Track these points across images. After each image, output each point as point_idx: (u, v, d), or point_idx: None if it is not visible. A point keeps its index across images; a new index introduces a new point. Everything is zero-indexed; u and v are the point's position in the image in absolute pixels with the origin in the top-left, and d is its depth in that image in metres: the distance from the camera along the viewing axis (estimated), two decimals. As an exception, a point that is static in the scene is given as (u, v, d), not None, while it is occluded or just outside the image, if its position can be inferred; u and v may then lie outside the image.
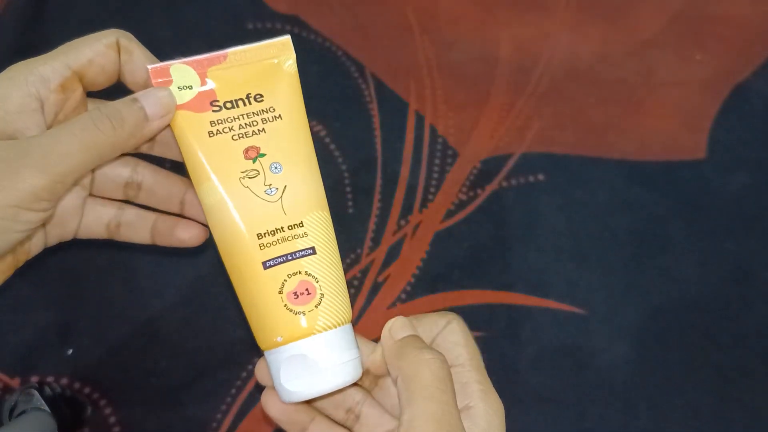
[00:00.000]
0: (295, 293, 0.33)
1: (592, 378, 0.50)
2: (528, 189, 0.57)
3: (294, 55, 0.35)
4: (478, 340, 0.51)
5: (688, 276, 0.54)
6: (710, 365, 0.51)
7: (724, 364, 0.51)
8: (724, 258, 0.55)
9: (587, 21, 0.65)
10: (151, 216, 0.38)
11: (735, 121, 0.61)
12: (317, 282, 0.33)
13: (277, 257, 0.33)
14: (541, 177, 0.58)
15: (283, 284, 0.33)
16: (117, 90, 0.35)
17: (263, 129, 0.34)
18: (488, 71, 0.62)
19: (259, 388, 0.49)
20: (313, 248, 0.34)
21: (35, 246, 0.36)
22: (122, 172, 0.37)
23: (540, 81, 0.62)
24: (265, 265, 0.33)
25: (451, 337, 0.34)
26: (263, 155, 0.34)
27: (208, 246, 0.55)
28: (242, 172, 0.33)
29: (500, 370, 0.50)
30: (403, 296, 0.52)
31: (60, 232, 0.37)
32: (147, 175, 0.38)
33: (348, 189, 0.56)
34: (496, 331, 0.52)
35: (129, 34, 0.34)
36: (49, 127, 0.33)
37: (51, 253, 0.53)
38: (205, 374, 0.49)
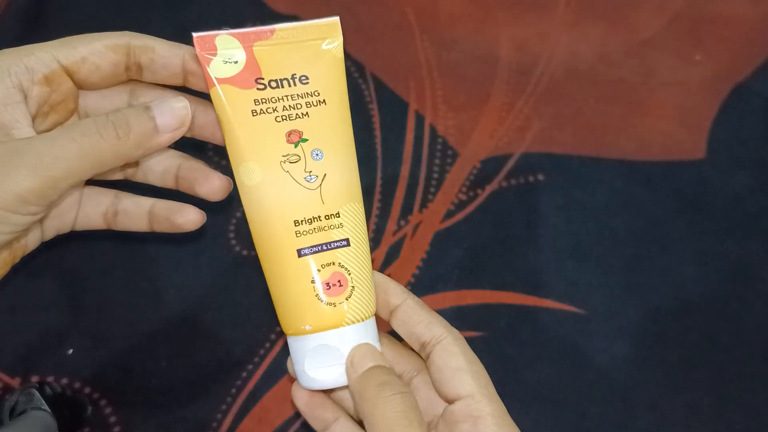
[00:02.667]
0: (328, 284, 0.33)
1: (592, 378, 0.50)
2: (528, 189, 0.57)
3: (341, 38, 0.34)
4: (478, 340, 0.51)
5: (688, 276, 0.54)
6: (710, 365, 0.51)
7: (724, 364, 0.51)
8: (724, 258, 0.55)
9: (587, 21, 0.65)
10: (147, 202, 0.36)
11: (735, 121, 0.61)
12: (349, 274, 0.33)
13: (313, 246, 0.33)
14: (541, 177, 0.58)
15: (317, 273, 0.33)
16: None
17: (307, 113, 0.33)
18: (488, 71, 0.62)
19: (260, 388, 0.49)
20: (347, 240, 0.33)
21: (32, 241, 0.34)
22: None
23: (540, 81, 0.62)
24: (300, 253, 0.33)
25: (452, 362, 0.32)
26: (305, 140, 0.33)
27: (208, 245, 0.56)
28: (284, 156, 0.33)
29: (500, 370, 0.50)
30: (403, 296, 0.52)
31: (57, 224, 0.35)
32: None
33: (348, 189, 0.56)
34: (496, 331, 0.52)
35: (140, 34, 0.33)
36: (33, 119, 0.31)
37: (51, 252, 0.53)
38: (205, 374, 0.49)
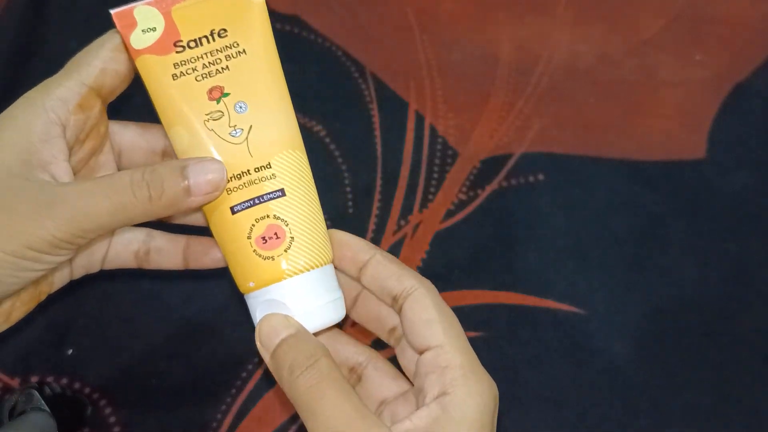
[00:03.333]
0: (263, 238, 0.32)
1: (592, 378, 0.50)
2: (528, 189, 0.57)
3: None
4: (478, 340, 0.51)
5: (688, 276, 0.54)
6: (710, 365, 0.51)
7: (724, 364, 0.51)
8: (724, 258, 0.55)
9: (587, 21, 0.65)
10: (182, 239, 0.37)
11: (735, 121, 0.61)
12: (287, 225, 0.32)
13: (244, 202, 0.32)
14: (541, 177, 0.58)
15: (251, 229, 0.32)
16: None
17: (227, 66, 0.33)
18: (488, 71, 0.62)
19: (260, 388, 0.49)
20: (282, 190, 0.33)
21: (59, 279, 0.35)
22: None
23: (540, 81, 0.62)
24: (233, 210, 0.32)
25: (423, 313, 0.32)
26: (227, 95, 0.33)
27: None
28: (206, 115, 0.32)
29: (500, 370, 0.50)
30: (403, 296, 0.52)
31: (86, 263, 0.36)
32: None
33: (348, 189, 0.56)
34: (496, 331, 0.52)
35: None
36: (71, 149, 0.32)
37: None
38: (205, 374, 0.49)
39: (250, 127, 0.33)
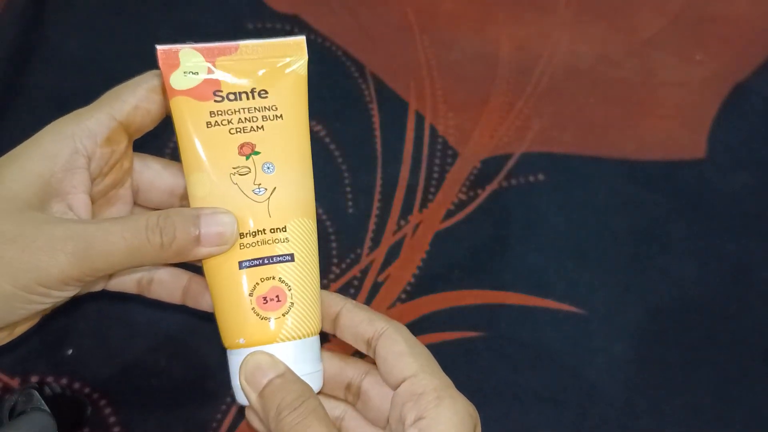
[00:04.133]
0: (265, 298, 0.32)
1: (592, 378, 0.50)
2: (528, 189, 0.57)
3: (306, 57, 0.34)
4: (478, 340, 0.51)
5: (688, 276, 0.54)
6: (710, 365, 0.51)
7: (724, 364, 0.51)
8: (724, 258, 0.55)
9: (587, 21, 0.65)
10: (184, 276, 0.37)
11: (735, 121, 0.61)
12: (290, 290, 0.33)
13: (254, 259, 0.32)
14: (541, 177, 0.58)
15: (254, 287, 0.32)
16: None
17: (262, 126, 0.33)
18: (488, 71, 0.62)
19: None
20: (292, 255, 0.33)
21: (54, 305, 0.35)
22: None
23: (540, 81, 0.62)
24: (241, 265, 0.32)
25: (394, 348, 0.33)
26: (257, 153, 0.33)
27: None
28: (234, 168, 0.33)
29: (500, 370, 0.50)
30: (403, 296, 0.52)
31: (89, 286, 0.36)
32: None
33: (348, 189, 0.56)
34: (496, 331, 0.52)
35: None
36: (93, 180, 0.32)
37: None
38: (205, 374, 0.49)
39: (274, 188, 0.33)
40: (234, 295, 0.33)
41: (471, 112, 0.60)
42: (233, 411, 0.48)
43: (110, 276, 0.37)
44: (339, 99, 0.60)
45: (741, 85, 0.63)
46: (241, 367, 0.32)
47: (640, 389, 0.50)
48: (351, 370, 0.35)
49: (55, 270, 0.29)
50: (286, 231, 0.33)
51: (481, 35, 0.64)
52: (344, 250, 0.53)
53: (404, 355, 0.32)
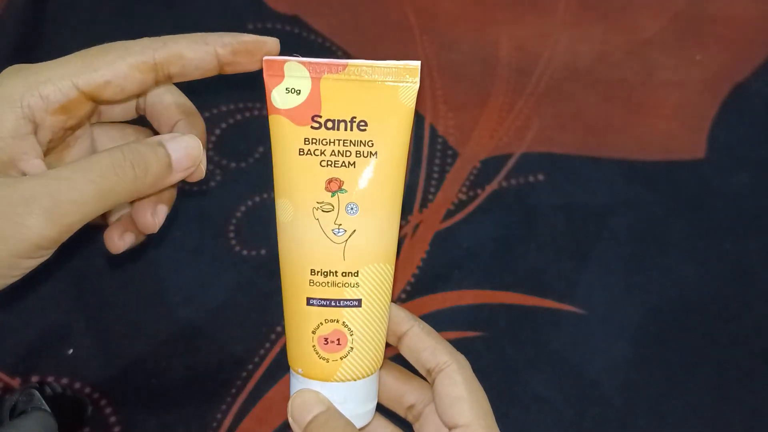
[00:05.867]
0: (326, 339, 0.32)
1: (592, 378, 0.50)
2: (528, 189, 0.57)
3: (418, 84, 0.32)
4: (478, 340, 0.51)
5: (688, 276, 0.54)
6: (710, 365, 0.51)
7: (724, 364, 0.51)
8: (724, 258, 0.55)
9: (587, 21, 0.65)
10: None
11: (735, 121, 0.61)
12: (351, 335, 0.32)
13: (321, 299, 0.32)
14: (541, 177, 0.58)
15: (318, 326, 0.32)
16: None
17: (354, 163, 0.31)
18: (488, 71, 0.62)
19: (260, 388, 0.49)
20: (359, 300, 0.32)
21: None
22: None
23: (540, 81, 0.62)
24: (309, 301, 0.32)
25: (452, 390, 0.32)
26: (344, 191, 0.32)
27: (208, 245, 0.56)
28: (318, 203, 0.31)
29: (500, 370, 0.50)
30: (403, 296, 0.52)
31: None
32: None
33: (348, 189, 0.56)
34: (496, 331, 0.52)
35: (160, 39, 0.30)
36: (44, 150, 0.29)
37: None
38: (205, 374, 0.49)
39: (354, 231, 0.32)
40: (299, 327, 0.33)
41: (471, 112, 0.60)
42: (233, 411, 0.48)
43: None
44: (339, 99, 0.60)
45: (741, 85, 0.63)
46: (289, 402, 0.32)
47: (640, 389, 0.50)
48: (417, 395, 0.35)
49: (28, 234, 0.26)
50: (357, 276, 0.32)
51: (481, 35, 0.64)
52: (344, 250, 0.54)
53: (460, 401, 0.32)
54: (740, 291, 0.54)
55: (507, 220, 0.56)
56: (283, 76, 0.31)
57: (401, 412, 0.36)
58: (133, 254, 0.53)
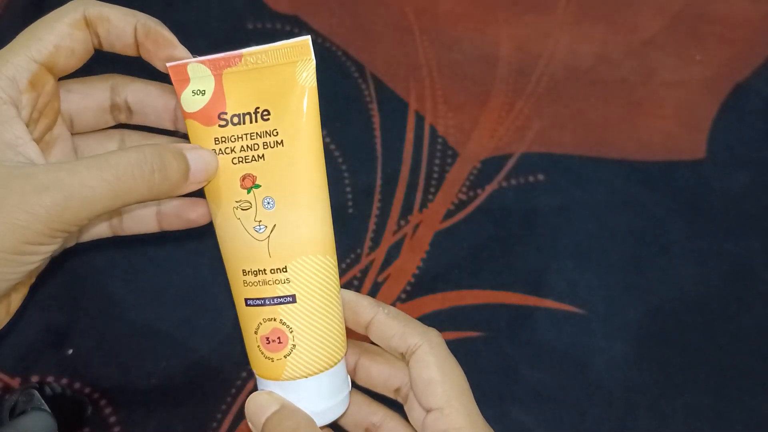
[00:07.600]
0: (267, 338, 0.31)
1: (592, 378, 0.50)
2: (528, 189, 0.57)
3: (313, 61, 0.31)
4: (478, 340, 0.51)
5: (688, 276, 0.54)
6: (710, 365, 0.51)
7: (724, 364, 0.51)
8: (724, 258, 0.55)
9: (587, 21, 0.65)
10: (152, 203, 0.35)
11: (735, 121, 0.61)
12: (291, 332, 0.31)
13: (256, 299, 0.31)
14: (541, 177, 0.58)
15: (258, 326, 0.32)
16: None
17: (263, 155, 0.31)
18: (488, 71, 0.62)
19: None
20: (293, 296, 0.31)
21: (44, 261, 0.35)
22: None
23: (540, 81, 0.62)
24: (247, 302, 0.32)
25: (425, 373, 0.31)
26: (258, 186, 0.31)
27: (208, 246, 0.55)
28: (236, 202, 0.31)
29: (500, 370, 0.50)
30: (403, 296, 0.52)
31: (64, 242, 0.35)
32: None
33: (348, 189, 0.56)
34: (496, 331, 0.52)
35: (94, 1, 0.30)
36: (27, 126, 0.29)
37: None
38: (205, 374, 0.49)
39: (274, 226, 0.31)
40: (245, 329, 0.32)
41: (471, 112, 0.60)
42: (233, 411, 0.48)
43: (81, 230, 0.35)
44: (339, 99, 0.60)
45: (741, 85, 0.62)
46: (245, 406, 0.32)
47: (640, 389, 0.50)
48: (398, 376, 0.35)
49: (38, 226, 0.26)
50: (286, 271, 0.31)
51: (481, 35, 0.64)
52: (344, 250, 0.53)
53: (433, 384, 0.31)
54: (740, 291, 0.54)
55: (507, 220, 0.56)
56: (188, 80, 0.30)
57: (391, 395, 0.35)
58: (133, 254, 0.53)
